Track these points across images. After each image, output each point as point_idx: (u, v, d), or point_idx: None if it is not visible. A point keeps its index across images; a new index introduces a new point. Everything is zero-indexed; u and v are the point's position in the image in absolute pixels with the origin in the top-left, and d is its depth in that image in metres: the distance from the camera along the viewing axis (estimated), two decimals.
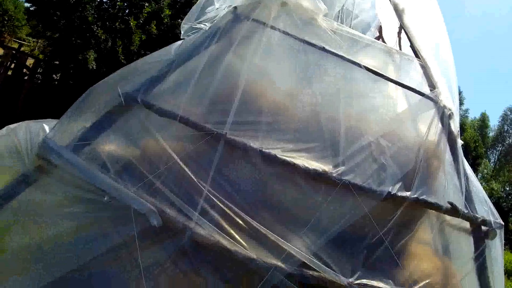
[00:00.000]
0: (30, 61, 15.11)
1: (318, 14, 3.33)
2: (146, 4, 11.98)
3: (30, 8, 13.76)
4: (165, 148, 2.42)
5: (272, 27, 3.10)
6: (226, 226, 2.27)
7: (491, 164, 37.61)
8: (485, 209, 3.25)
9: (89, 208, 2.35)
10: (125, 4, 12.43)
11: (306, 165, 2.49)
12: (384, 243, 2.63)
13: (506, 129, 38.49)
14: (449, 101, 3.37)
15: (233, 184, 2.39)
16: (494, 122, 41.93)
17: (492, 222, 3.16)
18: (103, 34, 11.11)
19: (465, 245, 3.15)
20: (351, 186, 2.52)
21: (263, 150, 2.46)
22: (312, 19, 3.34)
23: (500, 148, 38.41)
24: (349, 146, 2.75)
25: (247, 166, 2.47)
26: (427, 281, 2.62)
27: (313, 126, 2.78)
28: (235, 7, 3.23)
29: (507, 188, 32.21)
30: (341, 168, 2.59)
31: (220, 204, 2.30)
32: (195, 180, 2.32)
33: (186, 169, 2.34)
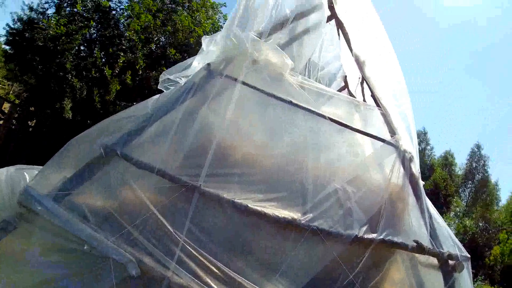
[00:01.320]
0: (5, 105, 14.96)
1: (285, 69, 3.63)
2: (122, 54, 12.31)
3: (9, 51, 13.87)
4: (143, 199, 2.54)
5: (243, 83, 3.35)
6: (202, 274, 2.38)
7: (463, 202, 38.60)
8: (451, 244, 3.45)
9: (69, 258, 2.42)
10: (102, 53, 12.77)
11: (276, 213, 2.65)
12: (355, 285, 2.77)
13: (474, 166, 39.87)
14: (409, 145, 3.66)
15: (208, 234, 2.52)
16: (463, 160, 43.47)
17: (458, 256, 3.35)
18: (78, 83, 11.27)
19: (436, 281, 3.31)
20: (319, 232, 2.68)
21: (235, 200, 2.62)
22: (280, 75, 3.62)
23: (471, 185, 39.57)
24: (317, 194, 2.94)
25: (220, 216, 2.61)
26: None
27: (282, 177, 2.97)
28: (209, 64, 3.48)
29: (481, 224, 32.98)
30: (309, 215, 2.76)
31: (196, 254, 2.41)
32: (172, 230, 2.44)
33: (163, 220, 2.46)
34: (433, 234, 3.35)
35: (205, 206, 2.61)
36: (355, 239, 2.81)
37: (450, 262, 3.31)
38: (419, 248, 3.14)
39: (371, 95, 4.35)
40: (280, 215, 2.66)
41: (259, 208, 2.64)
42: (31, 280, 2.36)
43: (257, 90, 3.40)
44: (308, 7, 4.52)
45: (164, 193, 2.64)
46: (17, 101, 14.44)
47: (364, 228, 2.91)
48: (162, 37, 15.10)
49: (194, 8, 16.28)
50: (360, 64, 4.45)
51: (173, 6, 16.27)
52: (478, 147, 40.32)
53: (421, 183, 3.64)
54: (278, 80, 3.58)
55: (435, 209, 3.73)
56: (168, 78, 3.90)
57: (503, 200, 36.72)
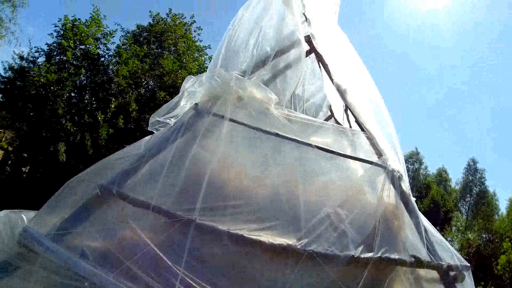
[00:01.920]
0: None
1: (270, 104, 3.80)
2: (113, 99, 12.60)
3: (1, 99, 14.06)
4: (140, 236, 2.61)
5: (231, 120, 3.50)
6: None
7: (464, 216, 38.53)
8: (449, 255, 3.48)
9: None
10: (93, 99, 13.04)
11: (271, 241, 2.72)
12: None
13: (471, 179, 40.11)
14: (397, 164, 3.78)
15: (206, 265, 2.58)
16: (458, 175, 43.69)
17: (458, 266, 3.38)
18: (72, 127, 11.46)
19: None
20: (316, 255, 2.74)
21: (231, 231, 2.69)
22: (266, 109, 3.79)
23: (469, 199, 39.65)
24: (310, 220, 3.02)
25: (217, 247, 2.68)
26: None
27: (274, 206, 3.07)
28: (196, 104, 3.65)
29: (484, 235, 32.78)
30: (305, 240, 2.84)
31: (195, 285, 2.45)
32: (170, 263, 2.49)
33: (161, 254, 2.52)
34: (430, 248, 3.40)
35: (202, 238, 2.68)
36: (352, 260, 2.87)
37: (451, 273, 3.34)
38: (418, 263, 3.18)
39: (355, 121, 4.53)
40: (275, 242, 2.73)
41: (254, 237, 2.72)
42: None
43: (244, 125, 3.55)
44: (287, 44, 4.76)
45: (160, 228, 2.71)
46: (10, 148, 14.51)
47: (360, 248, 2.98)
48: (151, 81, 15.49)
49: (180, 52, 16.83)
50: (342, 93, 4.63)
51: (160, 50, 16.82)
52: (474, 161, 40.74)
53: (413, 199, 3.74)
54: (263, 114, 3.73)
55: (429, 223, 3.81)
56: (157, 120, 4.05)
57: (502, 209, 36.76)
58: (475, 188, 39.76)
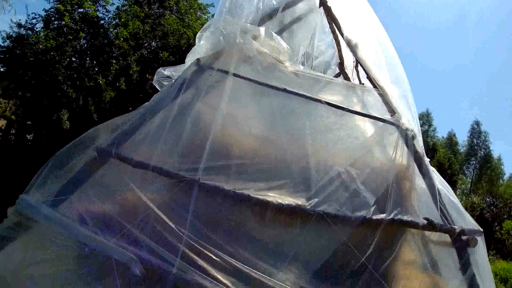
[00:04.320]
0: (2, 122, 14.97)
1: (281, 56, 3.55)
2: (114, 61, 12.28)
3: (1, 69, 13.84)
4: (142, 198, 2.48)
5: (235, 75, 3.28)
6: (208, 268, 2.31)
7: (468, 179, 38.54)
8: (462, 219, 3.38)
9: (69, 264, 2.36)
10: (94, 62, 12.72)
11: (279, 201, 2.58)
12: (368, 268, 2.70)
13: (475, 142, 39.81)
14: (411, 123, 3.59)
15: (211, 227, 2.45)
16: (463, 137, 43.31)
17: (471, 230, 3.27)
18: (74, 93, 11.25)
19: (450, 258, 3.23)
20: (326, 216, 2.61)
21: (236, 191, 2.55)
22: (273, 64, 3.55)
23: (474, 162, 39.54)
24: (320, 179, 2.87)
25: (222, 208, 2.54)
26: None
27: (282, 164, 2.90)
28: (198, 59, 3.42)
29: (488, 199, 32.94)
30: (314, 200, 2.69)
31: (200, 248, 2.34)
32: (174, 226, 2.37)
33: (164, 217, 2.39)
34: (443, 211, 3.27)
35: (206, 199, 2.55)
36: (363, 221, 2.73)
37: (463, 237, 3.23)
38: (430, 226, 3.06)
39: (367, 77, 4.29)
40: (283, 202, 2.59)
41: (261, 197, 2.57)
42: None
43: (249, 80, 3.34)
44: None
45: (163, 190, 2.58)
46: (13, 117, 14.41)
47: (372, 209, 2.83)
48: (153, 42, 15.05)
49: (182, 11, 16.23)
50: (352, 48, 4.38)
51: (161, 10, 16.22)
52: (477, 123, 40.26)
53: (427, 160, 3.57)
54: (270, 70, 3.51)
55: (445, 183, 3.65)
56: (162, 74, 3.86)
57: (508, 174, 36.73)
58: (479, 152, 39.57)
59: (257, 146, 2.96)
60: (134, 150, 2.77)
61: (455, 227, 3.15)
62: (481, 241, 3.30)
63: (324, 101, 3.39)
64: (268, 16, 4.26)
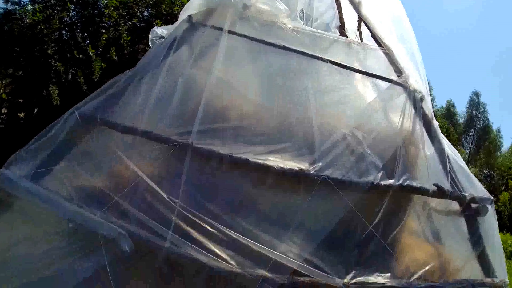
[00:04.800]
0: None
1: (279, 15, 3.27)
2: (104, 31, 11.78)
3: None
4: (129, 166, 2.25)
5: (230, 32, 3.00)
6: (204, 240, 2.11)
7: (466, 150, 38.53)
8: (472, 186, 3.17)
9: (55, 240, 2.16)
10: (84, 34, 12.22)
11: (281, 165, 2.36)
12: (375, 236, 2.52)
13: (475, 113, 39.54)
14: (419, 84, 3.34)
15: (206, 195, 2.24)
16: (462, 108, 43.00)
17: (482, 198, 3.08)
18: (62, 67, 10.82)
19: (457, 228, 3.06)
20: (331, 181, 2.40)
21: (233, 155, 2.32)
22: (272, 22, 3.27)
23: (472, 133, 39.40)
24: (324, 142, 2.64)
25: (218, 174, 2.32)
26: (424, 269, 2.52)
27: (283, 126, 2.67)
28: (190, 16, 3.13)
29: (485, 171, 32.98)
30: (318, 165, 2.47)
31: (195, 219, 2.13)
32: (165, 196, 2.15)
33: (154, 186, 2.17)
34: (453, 177, 3.07)
35: (200, 165, 2.32)
36: (371, 187, 2.52)
37: (473, 205, 3.04)
38: (440, 192, 2.86)
39: (372, 36, 3.99)
40: (285, 167, 2.36)
41: (261, 161, 2.35)
42: (17, 272, 2.10)
43: (246, 38, 3.06)
44: None
45: (152, 157, 2.35)
46: (4, 96, 14.01)
47: (380, 175, 2.62)
48: (145, 11, 14.48)
49: None
50: (355, 5, 4.10)
51: None
52: (477, 94, 39.86)
53: (435, 123, 3.34)
54: (268, 27, 3.23)
55: (454, 149, 3.44)
56: (157, 33, 3.66)
57: (506, 146, 36.72)
58: (478, 123, 39.36)
59: (255, 108, 2.71)
60: (121, 115, 2.52)
61: (466, 194, 2.95)
62: (491, 210, 3.10)
63: (327, 59, 3.12)
64: None
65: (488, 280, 2.82)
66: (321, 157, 2.51)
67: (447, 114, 37.76)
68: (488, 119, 38.97)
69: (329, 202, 2.46)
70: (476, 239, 2.96)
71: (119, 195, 2.16)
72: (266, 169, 2.33)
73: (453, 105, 39.43)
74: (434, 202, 2.99)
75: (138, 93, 2.65)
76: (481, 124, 39.13)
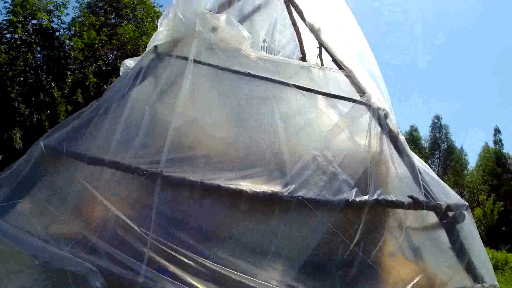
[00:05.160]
0: None
1: (243, 42, 3.34)
2: (69, 73, 11.65)
3: None
4: (98, 198, 2.15)
5: (195, 61, 3.02)
6: (180, 273, 2.02)
7: (435, 172, 39.54)
8: (446, 195, 3.22)
9: (20, 279, 2.00)
10: (50, 77, 12.00)
11: (254, 189, 2.32)
12: (358, 256, 2.49)
13: (438, 136, 41.10)
14: (381, 101, 3.44)
15: (179, 225, 2.16)
16: (425, 132, 44.51)
17: (457, 205, 3.12)
18: (26, 110, 10.54)
19: (437, 240, 3.08)
20: (306, 202, 2.38)
21: (204, 181, 2.27)
22: (236, 50, 3.33)
23: (438, 155, 40.75)
24: (295, 164, 2.64)
25: (190, 202, 2.25)
26: (411, 284, 2.50)
27: (253, 151, 2.66)
28: (155, 46, 3.15)
29: (455, 190, 33.81)
30: (291, 186, 2.46)
31: (169, 250, 2.05)
32: (136, 228, 2.06)
33: (124, 217, 2.08)
34: (426, 188, 3.10)
35: (171, 193, 2.26)
36: (347, 204, 2.52)
37: (450, 213, 3.08)
38: (416, 204, 2.89)
39: (333, 60, 4.14)
40: (259, 190, 2.33)
41: (233, 186, 2.31)
42: None
43: (211, 66, 3.09)
44: None
45: (121, 187, 2.26)
46: None
47: (354, 192, 2.63)
48: (110, 54, 14.51)
49: (139, 19, 15.79)
50: (315, 32, 4.24)
51: (118, 19, 15.70)
52: (438, 117, 41.62)
53: (402, 137, 3.43)
54: (233, 56, 3.28)
55: (424, 162, 3.53)
56: (127, 65, 3.66)
57: (472, 163, 38.10)
58: (443, 145, 40.82)
59: (223, 135, 2.70)
60: (87, 146, 2.45)
61: (441, 203, 2.99)
62: (468, 216, 3.14)
63: (292, 84, 3.19)
64: (227, 3, 4.06)
65: (478, 286, 2.83)
66: (293, 179, 2.50)
67: (411, 139, 39.02)
68: (451, 140, 40.58)
69: (306, 223, 2.44)
70: (458, 247, 2.99)
71: (87, 228, 2.04)
72: (239, 193, 2.29)
73: (415, 130, 40.86)
74: (410, 219, 3.01)
75: (104, 124, 2.58)
76: (445, 145, 40.64)
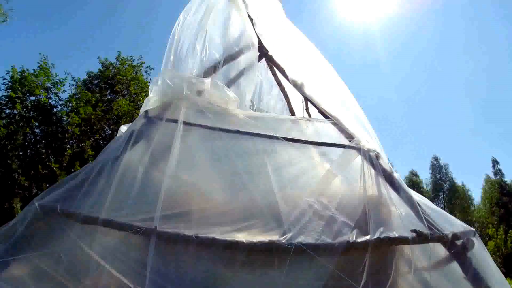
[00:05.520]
0: None
1: (229, 103, 3.49)
2: (68, 147, 11.93)
3: None
4: (92, 256, 2.12)
5: (185, 123, 3.13)
6: None
7: None
8: (450, 224, 3.12)
9: None
10: (49, 151, 12.24)
11: (250, 239, 2.29)
12: None
13: (439, 177, 40.92)
14: (370, 142, 3.50)
15: (175, 281, 2.10)
16: (426, 175, 44.33)
17: (464, 232, 3.01)
18: (26, 181, 10.68)
19: (449, 273, 2.95)
20: (306, 247, 2.33)
21: (199, 235, 2.24)
22: (224, 110, 3.46)
23: (442, 196, 40.32)
24: (291, 213, 2.62)
25: (185, 257, 2.21)
26: None
27: (248, 204, 2.66)
28: (146, 111, 3.28)
29: None
30: (289, 234, 2.42)
31: None
32: (132, 286, 2.00)
33: (119, 275, 2.03)
34: (428, 220, 3.02)
35: (166, 249, 2.22)
36: (348, 246, 2.46)
37: (457, 242, 2.98)
38: (420, 237, 2.78)
39: (318, 112, 4.27)
40: (255, 241, 2.30)
41: (228, 238, 2.28)
42: None
43: (200, 127, 3.20)
44: (236, 49, 4.54)
45: (116, 244, 2.24)
46: None
47: (355, 233, 2.58)
48: (107, 128, 14.92)
49: (133, 94, 16.44)
50: (299, 88, 4.38)
51: (113, 95, 16.35)
52: (436, 158, 41.77)
53: (397, 175, 3.44)
54: (222, 115, 3.41)
55: (421, 196, 3.50)
56: (122, 132, 3.71)
57: (477, 198, 37.54)
58: (445, 185, 40.49)
59: (216, 190, 2.72)
60: (81, 205, 2.47)
61: (446, 233, 2.89)
62: (477, 242, 3.02)
63: (281, 137, 3.27)
64: (212, 68, 4.26)
65: None
66: (290, 227, 2.47)
67: (411, 185, 38.83)
68: (452, 178, 40.30)
69: (307, 270, 2.38)
70: (472, 275, 2.83)
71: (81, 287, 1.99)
72: (235, 245, 2.26)
73: (416, 174, 40.68)
74: (417, 255, 2.92)
75: (98, 184, 2.62)
76: (447, 185, 40.32)
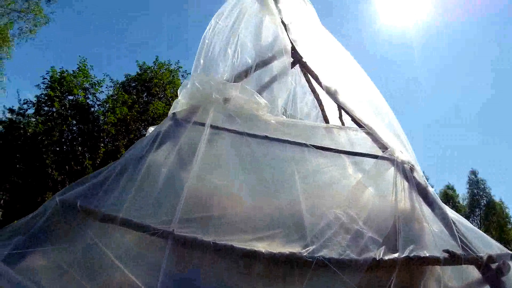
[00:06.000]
0: None
1: (260, 109, 3.43)
2: (102, 145, 12.31)
3: None
4: (107, 255, 2.10)
5: (212, 127, 3.10)
6: None
7: None
8: (486, 245, 2.90)
9: None
10: (85, 148, 12.70)
11: (270, 250, 2.19)
12: None
13: (476, 192, 39.04)
14: (405, 155, 3.33)
15: (188, 287, 2.03)
16: (463, 190, 42.41)
17: (500, 255, 2.78)
18: (59, 176, 11.09)
19: None
20: (328, 262, 2.21)
21: (218, 242, 2.17)
22: (253, 116, 3.40)
23: (479, 212, 38.43)
24: (315, 225, 2.50)
25: (201, 263, 2.15)
26: None
27: (271, 212, 2.56)
28: (174, 113, 3.27)
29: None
30: (311, 247, 2.30)
31: None
32: None
33: (132, 276, 1.99)
34: (463, 240, 2.82)
35: (182, 253, 2.16)
36: (373, 263, 2.31)
37: (492, 265, 2.76)
38: (453, 258, 2.59)
39: (352, 120, 4.13)
40: (275, 252, 2.19)
41: (248, 247, 2.19)
42: None
43: (229, 131, 3.15)
44: (268, 55, 4.48)
45: (132, 244, 2.21)
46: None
47: (382, 249, 2.42)
48: (142, 128, 15.28)
49: (169, 97, 16.79)
50: (332, 95, 4.27)
51: (149, 98, 16.78)
52: (474, 173, 39.91)
53: (431, 189, 3.24)
54: (251, 120, 3.35)
55: (457, 214, 3.28)
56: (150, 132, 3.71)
57: None
58: (482, 201, 38.61)
59: (240, 196, 2.64)
60: (101, 203, 2.46)
61: (481, 255, 2.69)
62: None
63: (311, 145, 3.16)
64: (244, 72, 4.22)
65: None
66: (313, 240, 2.35)
67: (446, 199, 37.16)
68: (490, 194, 38.34)
69: (328, 285, 2.24)
70: None
71: (95, 285, 1.97)
72: (254, 255, 2.16)
73: (452, 188, 39.04)
74: (448, 276, 2.73)
75: (119, 183, 2.61)
76: (484, 200, 38.40)
